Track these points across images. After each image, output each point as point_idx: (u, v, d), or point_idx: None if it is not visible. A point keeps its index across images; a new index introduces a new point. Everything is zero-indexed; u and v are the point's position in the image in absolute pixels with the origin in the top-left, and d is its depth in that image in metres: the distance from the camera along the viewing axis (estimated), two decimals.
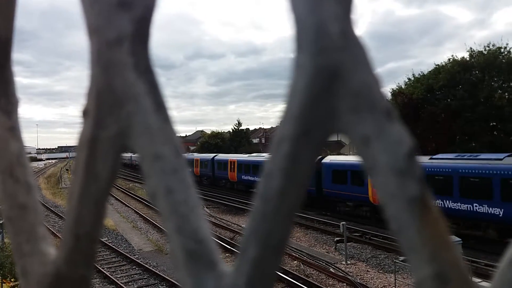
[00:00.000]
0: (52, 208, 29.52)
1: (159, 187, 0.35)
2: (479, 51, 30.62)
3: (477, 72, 30.10)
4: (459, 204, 18.41)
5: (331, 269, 16.00)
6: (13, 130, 0.43)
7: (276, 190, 0.31)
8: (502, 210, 16.69)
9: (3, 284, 10.59)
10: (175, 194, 0.34)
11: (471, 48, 31.24)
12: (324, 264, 16.61)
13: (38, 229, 0.40)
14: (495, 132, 29.67)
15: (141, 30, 0.36)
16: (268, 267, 0.33)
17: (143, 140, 0.36)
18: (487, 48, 30.42)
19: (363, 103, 0.29)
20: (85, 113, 0.37)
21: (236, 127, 66.97)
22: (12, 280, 11.44)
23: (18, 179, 0.42)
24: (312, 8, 0.29)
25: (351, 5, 0.30)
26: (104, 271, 15.49)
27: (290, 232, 0.33)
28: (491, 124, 29.65)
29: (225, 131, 69.42)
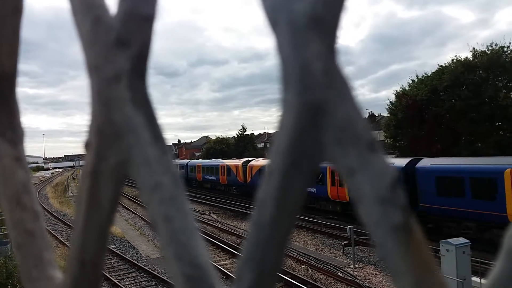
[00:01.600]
0: (59, 217, 29.67)
1: (158, 216, 0.37)
2: (482, 51, 30.51)
3: (481, 72, 29.97)
4: None
5: (339, 273, 15.93)
6: (19, 159, 0.45)
7: (269, 218, 0.33)
8: None
9: None
10: (173, 222, 0.36)
11: (474, 48, 31.15)
12: (332, 268, 16.55)
13: (45, 255, 0.42)
14: (501, 132, 29.48)
15: (138, 66, 0.38)
16: None
17: (142, 171, 0.38)
18: (490, 48, 30.31)
19: (347, 137, 0.31)
20: (87, 146, 0.39)
21: (240, 132, 67.07)
22: None
23: (25, 206, 0.44)
24: (297, 47, 0.31)
25: (334, 42, 0.32)
26: (112, 279, 15.53)
27: (283, 258, 0.35)
28: (497, 124, 29.47)
29: (230, 136, 69.57)
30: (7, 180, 0.45)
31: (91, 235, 0.39)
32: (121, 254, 19.22)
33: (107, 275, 15.73)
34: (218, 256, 18.71)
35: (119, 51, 0.37)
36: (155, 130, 0.38)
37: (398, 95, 33.88)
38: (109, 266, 17.46)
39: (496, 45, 30.27)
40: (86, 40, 0.37)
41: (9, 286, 11.25)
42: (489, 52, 30.04)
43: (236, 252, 17.53)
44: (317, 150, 0.32)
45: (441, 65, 32.81)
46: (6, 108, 0.46)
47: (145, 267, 17.30)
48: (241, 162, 37.87)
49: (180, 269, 0.35)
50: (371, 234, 0.31)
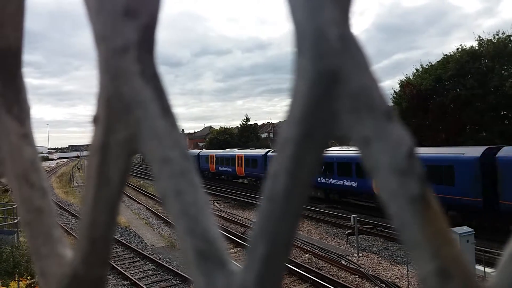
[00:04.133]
0: (65, 207, 29.91)
1: (168, 190, 0.36)
2: (488, 39, 30.16)
3: (486, 61, 29.67)
4: None
5: (343, 262, 16.02)
6: (27, 136, 0.45)
7: (282, 190, 0.32)
8: None
9: (20, 282, 10.79)
10: (184, 196, 0.36)
11: (479, 36, 30.80)
12: (335, 256, 16.64)
13: (54, 232, 0.42)
14: (506, 121, 29.28)
15: (146, 37, 0.37)
16: (276, 264, 0.34)
17: (152, 145, 0.37)
18: (496, 37, 29.96)
19: (362, 105, 0.30)
20: (96, 119, 0.38)
21: (244, 122, 67.03)
22: (28, 278, 11.65)
23: (33, 184, 0.44)
24: (311, 13, 0.30)
25: (349, 9, 0.31)
26: (118, 268, 15.69)
27: (296, 230, 0.34)
28: (502, 113, 29.26)
29: (233, 126, 69.53)
30: (15, 157, 0.44)
31: (100, 211, 0.39)
32: (126, 243, 19.39)
33: (112, 264, 15.89)
34: None
35: (127, 21, 0.36)
36: (164, 103, 0.38)
37: (403, 84, 33.67)
38: (114, 255, 17.62)
39: (503, 33, 29.91)
40: (92, 8, 0.36)
41: (16, 275, 11.39)
42: (495, 41, 29.70)
43: (240, 241, 17.66)
44: (331, 120, 0.31)
45: (446, 54, 32.52)
46: (13, 84, 0.45)
47: (150, 256, 17.46)
48: (264, 152, 35.14)
49: (191, 243, 0.35)
50: (386, 205, 0.30)
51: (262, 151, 36.09)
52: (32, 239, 0.42)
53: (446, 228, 0.29)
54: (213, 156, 44.03)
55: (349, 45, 0.30)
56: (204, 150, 52.04)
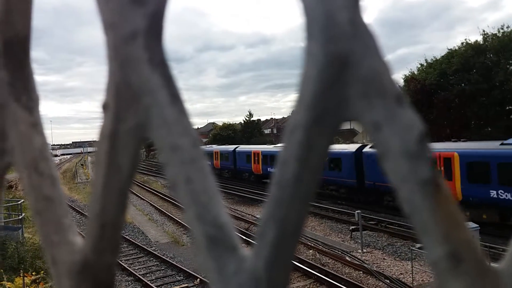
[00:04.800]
0: (69, 203, 30.06)
1: (178, 177, 0.36)
2: (493, 33, 29.95)
3: (491, 55, 29.47)
4: None
5: (347, 258, 16.03)
6: (36, 125, 0.45)
7: (291, 176, 0.32)
8: None
9: (25, 278, 10.87)
10: (194, 183, 0.36)
11: (484, 30, 30.59)
12: (340, 252, 16.65)
13: (64, 220, 0.42)
14: (511, 116, 29.11)
15: (155, 25, 0.37)
16: (286, 251, 0.34)
17: (161, 132, 0.37)
18: (501, 31, 29.74)
19: (373, 90, 0.30)
20: (105, 107, 0.38)
21: (247, 118, 66.99)
22: (33, 274, 11.74)
23: (43, 172, 0.44)
24: None
25: None
26: (122, 263, 15.77)
27: (306, 217, 0.34)
28: (507, 108, 29.08)
29: (236, 122, 69.49)
30: (24, 146, 0.45)
31: (110, 197, 0.39)
32: (130, 239, 19.48)
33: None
34: None
35: (135, 8, 0.36)
36: (172, 91, 0.38)
37: (407, 79, 33.53)
38: None
39: (507, 27, 29.69)
40: None
41: (21, 271, 11.48)
42: (500, 35, 29.49)
43: (244, 237, 17.70)
44: (341, 105, 0.31)
45: (450, 49, 32.33)
46: (21, 73, 0.45)
47: (154, 252, 17.53)
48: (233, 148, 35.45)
49: (202, 230, 0.35)
50: (397, 189, 0.30)
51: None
52: (42, 227, 0.42)
53: (457, 212, 0.29)
54: (258, 153, 35.18)
55: (359, 30, 0.30)
56: (242, 146, 42.93)
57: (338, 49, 0.30)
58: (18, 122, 0.45)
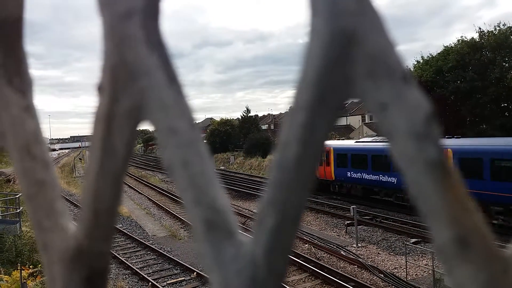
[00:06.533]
0: (67, 197, 29.97)
1: (175, 160, 0.35)
2: (489, 31, 29.97)
3: (487, 52, 29.49)
4: None
5: (342, 252, 16.10)
6: (29, 108, 0.44)
7: (293, 158, 0.31)
8: None
9: (22, 271, 10.85)
10: (191, 166, 0.34)
11: (480, 28, 30.58)
12: (335, 247, 16.71)
13: (57, 205, 0.41)
14: (506, 114, 29.19)
15: (151, 3, 0.36)
16: (285, 237, 0.33)
17: (158, 114, 0.36)
18: (497, 28, 29.75)
19: (379, 68, 0.29)
20: (100, 88, 0.37)
21: (245, 114, 66.86)
22: (30, 267, 11.72)
23: (35, 156, 0.42)
24: None
25: None
26: (120, 257, 15.77)
27: (306, 201, 0.33)
28: (502, 105, 29.16)
29: (234, 118, 69.35)
30: (17, 130, 0.43)
31: (105, 182, 0.38)
32: (128, 233, 19.47)
33: (114, 253, 15.98)
34: None
35: None
36: (169, 72, 0.36)
37: None
38: (116, 244, 17.71)
39: (504, 25, 29.71)
40: None
41: (18, 264, 11.46)
42: (496, 33, 29.51)
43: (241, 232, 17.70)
44: (346, 84, 0.30)
45: (447, 46, 32.32)
46: (13, 55, 0.44)
47: (151, 246, 17.54)
48: None
49: (199, 214, 0.34)
50: (404, 171, 0.29)
51: None
52: (34, 212, 0.41)
53: (465, 195, 0.28)
54: (328, 151, 25.75)
55: (365, 6, 0.29)
56: (338, 142, 29.47)
57: (343, 25, 0.29)
58: (10, 105, 0.43)
